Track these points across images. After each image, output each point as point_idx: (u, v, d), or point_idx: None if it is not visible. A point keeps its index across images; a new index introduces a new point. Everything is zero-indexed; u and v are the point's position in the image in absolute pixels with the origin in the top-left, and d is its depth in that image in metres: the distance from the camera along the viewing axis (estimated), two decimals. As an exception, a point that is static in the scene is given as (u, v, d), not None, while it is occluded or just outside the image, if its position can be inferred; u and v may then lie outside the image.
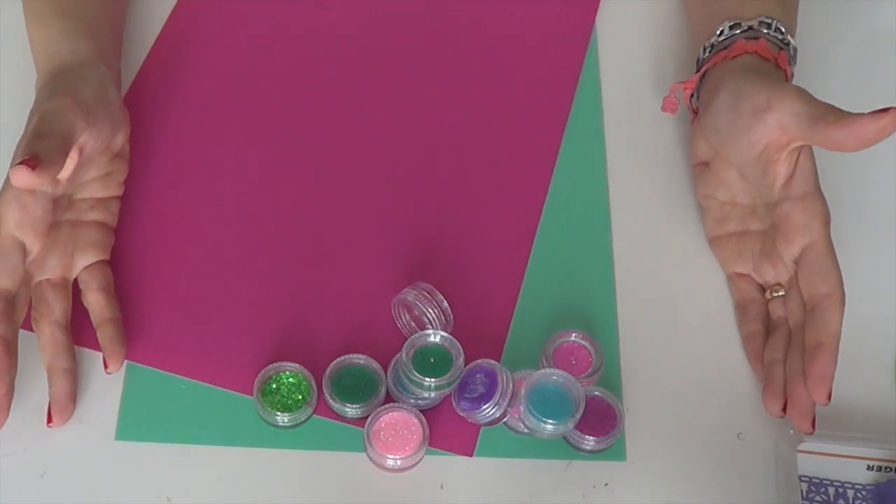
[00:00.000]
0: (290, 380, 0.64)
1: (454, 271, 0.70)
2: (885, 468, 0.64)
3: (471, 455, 0.64)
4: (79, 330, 0.65)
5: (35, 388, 0.63)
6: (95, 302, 0.65)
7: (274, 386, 0.64)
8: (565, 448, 0.65)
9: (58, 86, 0.64)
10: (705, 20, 0.74)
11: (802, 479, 0.63)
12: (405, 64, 0.80)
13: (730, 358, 0.69)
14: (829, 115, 0.62)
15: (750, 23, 0.70)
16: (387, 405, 0.63)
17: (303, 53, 0.79)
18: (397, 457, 0.62)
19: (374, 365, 0.64)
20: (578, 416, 0.62)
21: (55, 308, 0.63)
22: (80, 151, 0.62)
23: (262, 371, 0.64)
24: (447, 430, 0.64)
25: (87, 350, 0.65)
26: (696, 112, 0.73)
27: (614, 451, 0.65)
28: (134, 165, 0.71)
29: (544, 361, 0.66)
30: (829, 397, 0.62)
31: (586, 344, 0.67)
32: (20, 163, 0.57)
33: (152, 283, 0.68)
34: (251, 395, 0.63)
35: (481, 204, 0.74)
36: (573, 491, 0.63)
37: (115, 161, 0.68)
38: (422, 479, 0.63)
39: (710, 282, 0.72)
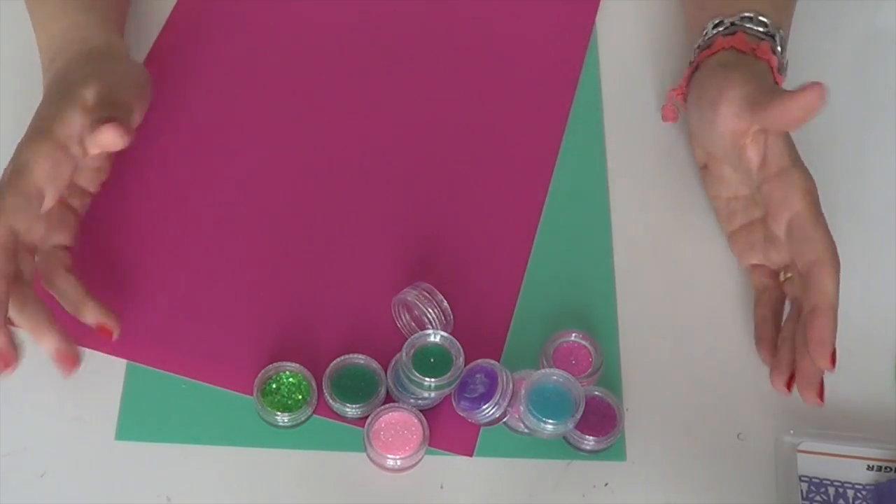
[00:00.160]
0: (290, 380, 0.64)
1: (454, 271, 0.70)
2: (885, 468, 0.64)
3: (471, 455, 0.64)
4: (79, 330, 0.65)
5: (35, 388, 0.63)
6: (67, 281, 0.63)
7: (274, 386, 0.64)
8: (565, 448, 0.65)
9: (104, 65, 0.66)
10: (696, 23, 0.74)
11: (802, 479, 0.63)
12: (405, 64, 0.80)
13: (730, 358, 0.69)
14: (765, 96, 0.63)
15: (731, 19, 0.70)
16: (387, 405, 0.63)
17: (303, 53, 0.79)
18: (397, 457, 0.62)
19: (374, 365, 0.64)
20: (578, 416, 0.62)
21: (26, 269, 0.61)
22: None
23: (262, 371, 0.64)
24: (447, 430, 0.64)
25: (87, 350, 0.65)
26: None
27: (614, 451, 0.65)
28: (134, 165, 0.71)
29: (544, 361, 0.66)
30: (834, 362, 0.61)
31: (586, 344, 0.67)
32: (107, 121, 0.59)
33: (152, 282, 0.68)
34: (251, 395, 0.63)
35: (481, 204, 0.74)
36: (573, 491, 0.63)
37: (108, 159, 0.68)
38: (422, 479, 0.63)
39: (710, 282, 0.72)
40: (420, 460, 0.63)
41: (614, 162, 0.76)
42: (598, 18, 0.84)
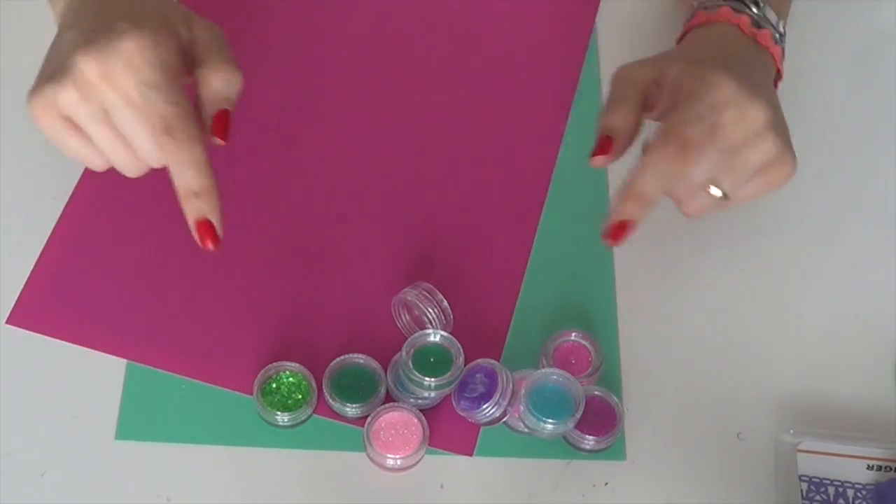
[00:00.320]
0: (290, 380, 0.64)
1: (454, 271, 0.70)
2: (885, 468, 0.64)
3: (471, 455, 0.64)
4: (80, 330, 0.65)
5: (35, 388, 0.63)
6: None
7: (274, 386, 0.64)
8: (565, 448, 0.65)
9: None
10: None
11: (802, 478, 0.63)
12: (405, 64, 0.80)
13: (730, 358, 0.69)
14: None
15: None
16: (387, 405, 0.63)
17: (303, 55, 0.79)
18: (397, 456, 0.62)
19: (374, 365, 0.65)
20: (578, 415, 0.62)
21: None
22: None
23: (262, 371, 0.64)
24: (447, 430, 0.64)
25: (87, 350, 0.65)
26: None
27: (614, 451, 0.65)
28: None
29: (544, 361, 0.66)
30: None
31: (586, 344, 0.67)
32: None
33: (152, 282, 0.68)
34: (251, 395, 0.63)
35: (481, 204, 0.74)
36: (573, 490, 0.63)
37: None
38: (422, 478, 0.63)
39: (710, 282, 0.72)
40: (420, 460, 0.63)
41: (614, 162, 0.76)
42: (598, 18, 0.84)
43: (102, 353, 0.65)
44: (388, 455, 0.62)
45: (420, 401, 0.64)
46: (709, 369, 0.68)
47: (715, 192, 0.63)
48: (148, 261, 0.69)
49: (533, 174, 0.75)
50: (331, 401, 0.63)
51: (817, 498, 0.63)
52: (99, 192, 0.70)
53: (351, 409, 0.63)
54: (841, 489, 0.63)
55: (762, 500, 0.64)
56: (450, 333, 0.64)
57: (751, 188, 0.65)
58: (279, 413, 0.63)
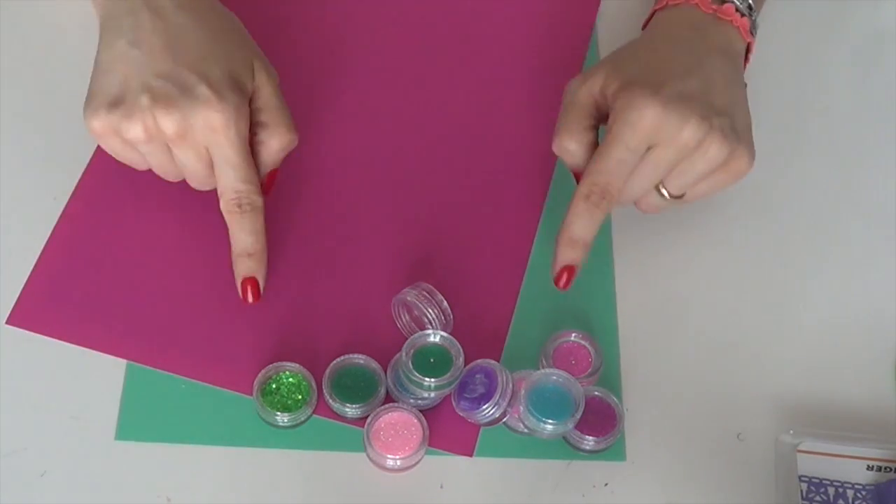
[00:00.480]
0: (290, 380, 0.64)
1: (454, 271, 0.70)
2: (885, 468, 0.64)
3: (471, 455, 0.64)
4: (80, 330, 0.65)
5: (35, 388, 0.63)
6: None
7: (274, 386, 0.64)
8: (565, 448, 0.65)
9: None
10: None
11: (802, 479, 0.63)
12: (405, 64, 0.80)
13: (730, 358, 0.69)
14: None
15: None
16: (387, 405, 0.63)
17: (303, 56, 0.79)
18: (397, 457, 0.62)
19: (374, 365, 0.65)
20: (578, 416, 0.62)
21: None
22: None
23: (262, 371, 0.64)
24: (447, 430, 0.64)
25: (87, 350, 0.65)
26: None
27: (614, 451, 0.65)
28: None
29: (544, 361, 0.66)
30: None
31: (586, 344, 0.67)
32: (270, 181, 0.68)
33: (152, 283, 0.68)
34: (251, 395, 0.63)
35: (481, 204, 0.74)
36: (573, 491, 0.63)
37: None
38: (422, 479, 0.63)
39: (710, 282, 0.72)
40: (420, 460, 0.63)
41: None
42: (598, 18, 0.84)
43: (102, 353, 0.65)
44: (388, 455, 0.62)
45: (420, 401, 0.64)
46: (709, 370, 0.68)
47: (665, 193, 0.66)
48: (148, 261, 0.69)
49: (533, 174, 0.75)
50: (331, 401, 0.63)
51: (817, 498, 0.63)
52: (99, 192, 0.70)
53: (351, 410, 0.63)
54: (841, 490, 0.63)
55: (762, 500, 0.64)
56: (450, 334, 0.64)
57: (704, 187, 0.67)
58: (279, 413, 0.63)
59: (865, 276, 0.73)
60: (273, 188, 0.68)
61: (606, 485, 0.64)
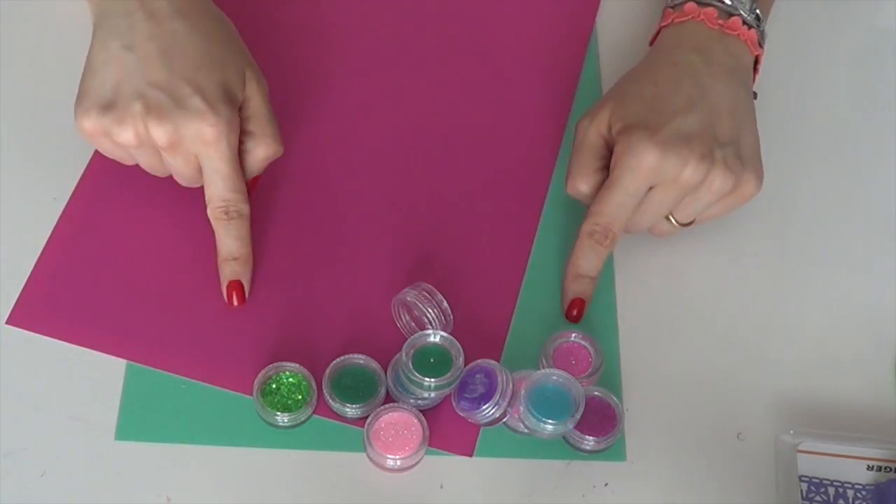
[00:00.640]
0: (290, 380, 0.64)
1: (454, 271, 0.70)
2: (885, 468, 0.64)
3: (471, 455, 0.64)
4: (80, 330, 0.65)
5: (35, 388, 0.63)
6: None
7: (274, 386, 0.64)
8: (565, 448, 0.65)
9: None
10: None
11: (802, 479, 0.63)
12: (405, 64, 0.80)
13: (730, 358, 0.69)
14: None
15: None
16: (387, 405, 0.63)
17: (302, 54, 0.79)
18: (397, 457, 0.62)
19: (374, 365, 0.64)
20: (578, 416, 0.62)
21: None
22: None
23: (262, 371, 0.64)
24: (447, 430, 0.64)
25: (87, 350, 0.65)
26: None
27: (614, 451, 0.65)
28: (131, 166, 0.71)
29: (544, 361, 0.66)
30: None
31: (586, 344, 0.67)
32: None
33: (152, 283, 0.68)
34: (251, 395, 0.63)
35: (481, 204, 0.74)
36: (573, 491, 0.63)
37: None
38: (422, 479, 0.63)
39: (710, 282, 0.72)
40: (420, 460, 0.63)
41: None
42: (598, 18, 0.84)
43: (102, 353, 0.65)
44: (388, 455, 0.62)
45: (420, 401, 0.64)
46: (708, 369, 0.68)
47: (674, 221, 0.68)
48: (148, 261, 0.69)
49: (533, 174, 0.75)
50: (331, 401, 0.63)
51: (817, 498, 0.63)
52: (99, 192, 0.70)
53: (351, 410, 0.63)
54: (841, 489, 0.63)
55: (762, 500, 0.64)
56: (450, 334, 0.64)
57: (712, 212, 0.68)
58: (279, 413, 0.63)
59: (865, 276, 0.73)
60: (254, 192, 0.68)
61: (606, 485, 0.64)
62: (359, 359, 0.65)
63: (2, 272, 0.67)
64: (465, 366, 0.63)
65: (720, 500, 0.64)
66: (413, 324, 0.67)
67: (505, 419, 0.64)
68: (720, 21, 0.69)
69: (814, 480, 0.63)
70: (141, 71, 0.62)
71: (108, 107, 0.61)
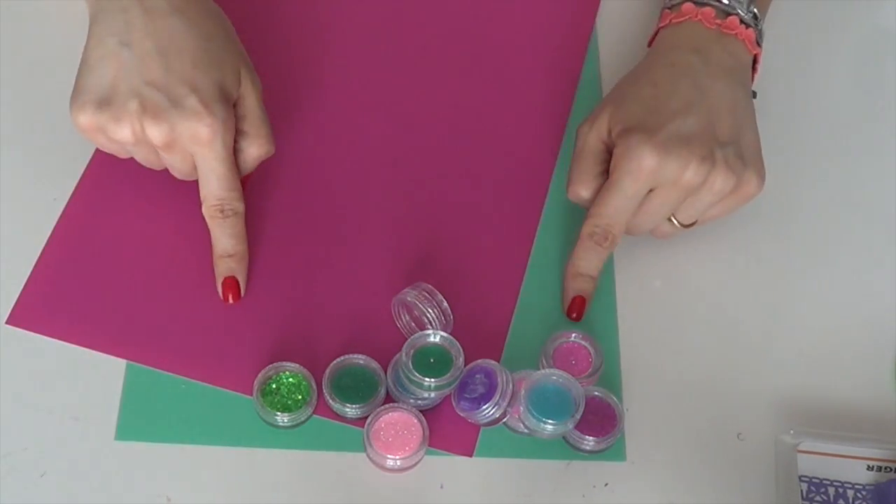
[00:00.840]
0: (290, 380, 0.64)
1: (454, 271, 0.70)
2: (885, 468, 0.64)
3: (471, 455, 0.64)
4: (80, 330, 0.65)
5: (35, 388, 0.63)
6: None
7: (274, 386, 0.64)
8: (565, 448, 0.65)
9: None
10: None
11: (802, 479, 0.63)
12: (405, 64, 0.80)
13: (730, 358, 0.69)
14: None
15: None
16: (387, 405, 0.63)
17: (303, 54, 0.79)
18: (397, 457, 0.62)
19: (374, 365, 0.64)
20: (578, 416, 0.62)
21: None
22: None
23: (262, 371, 0.64)
24: (447, 431, 0.64)
25: (87, 350, 0.65)
26: None
27: (614, 452, 0.65)
28: (131, 165, 0.71)
29: (544, 361, 0.66)
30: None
31: (586, 344, 0.67)
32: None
33: (152, 283, 0.68)
34: (251, 395, 0.63)
35: (481, 203, 0.74)
36: (573, 491, 0.63)
37: None
38: (422, 479, 0.63)
39: (710, 282, 0.72)
40: (420, 460, 0.63)
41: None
42: (598, 18, 0.84)
43: (102, 353, 0.65)
44: (388, 455, 0.62)
45: (420, 401, 0.64)
46: (709, 369, 0.68)
47: (675, 222, 0.69)
48: (148, 261, 0.69)
49: (533, 174, 0.75)
50: (331, 401, 0.63)
51: (817, 498, 0.63)
52: (99, 192, 0.70)
53: (351, 410, 0.63)
54: (841, 490, 0.63)
55: (762, 500, 0.64)
56: (450, 334, 0.64)
57: (714, 212, 0.68)
58: (279, 413, 0.63)
59: (865, 275, 0.73)
60: (246, 190, 0.68)
61: (606, 485, 0.64)
62: (359, 359, 0.65)
63: (2, 272, 0.67)
64: (465, 366, 0.63)
65: (720, 501, 0.64)
66: (413, 324, 0.67)
67: (505, 419, 0.64)
68: (718, 21, 0.69)
69: (814, 480, 0.63)
70: (138, 69, 0.62)
71: (105, 104, 0.61)
